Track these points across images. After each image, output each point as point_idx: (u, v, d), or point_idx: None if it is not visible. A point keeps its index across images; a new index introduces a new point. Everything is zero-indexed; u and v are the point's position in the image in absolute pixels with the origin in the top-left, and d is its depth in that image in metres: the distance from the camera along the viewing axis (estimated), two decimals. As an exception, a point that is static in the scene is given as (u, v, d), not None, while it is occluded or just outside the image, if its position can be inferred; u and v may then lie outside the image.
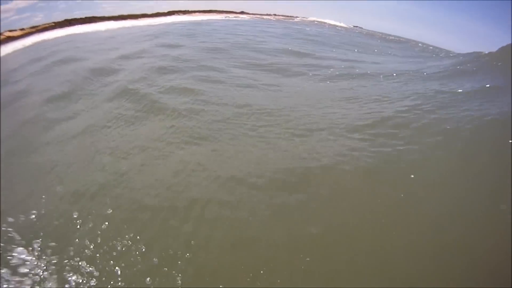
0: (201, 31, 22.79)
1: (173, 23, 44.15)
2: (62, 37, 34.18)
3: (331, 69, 10.82)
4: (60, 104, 8.60)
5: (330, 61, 12.58)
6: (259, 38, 18.33)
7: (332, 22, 76.35)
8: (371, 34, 44.59)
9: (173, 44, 15.75)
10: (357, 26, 75.33)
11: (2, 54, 31.69)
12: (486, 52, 9.05)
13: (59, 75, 11.53)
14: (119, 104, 7.93)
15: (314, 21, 79.34)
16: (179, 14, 66.64)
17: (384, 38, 41.63)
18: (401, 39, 44.27)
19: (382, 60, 13.78)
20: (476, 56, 9.30)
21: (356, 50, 17.36)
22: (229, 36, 18.95)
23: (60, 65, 13.38)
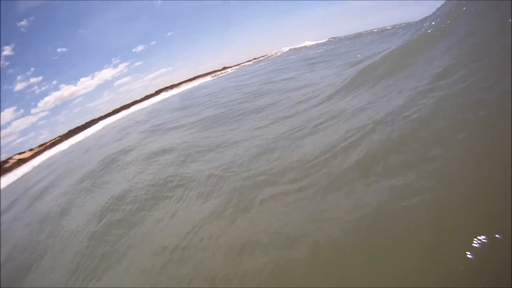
0: (197, 98, 19.33)
1: (163, 100, 42.66)
2: (64, 150, 33.39)
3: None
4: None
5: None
6: (274, 79, 14.36)
7: (311, 43, 76.54)
8: (357, 37, 42.16)
9: (170, 125, 11.76)
10: (333, 37, 74.72)
11: (3, 186, 28.15)
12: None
13: (32, 221, 7.81)
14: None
15: (295, 48, 79.64)
16: (166, 91, 67.51)
17: (371, 33, 38.83)
18: (386, 27, 41.35)
19: (415, 40, 9.09)
20: None
21: (382, 45, 13.32)
22: (239, 91, 14.66)
23: (41, 199, 9.97)
